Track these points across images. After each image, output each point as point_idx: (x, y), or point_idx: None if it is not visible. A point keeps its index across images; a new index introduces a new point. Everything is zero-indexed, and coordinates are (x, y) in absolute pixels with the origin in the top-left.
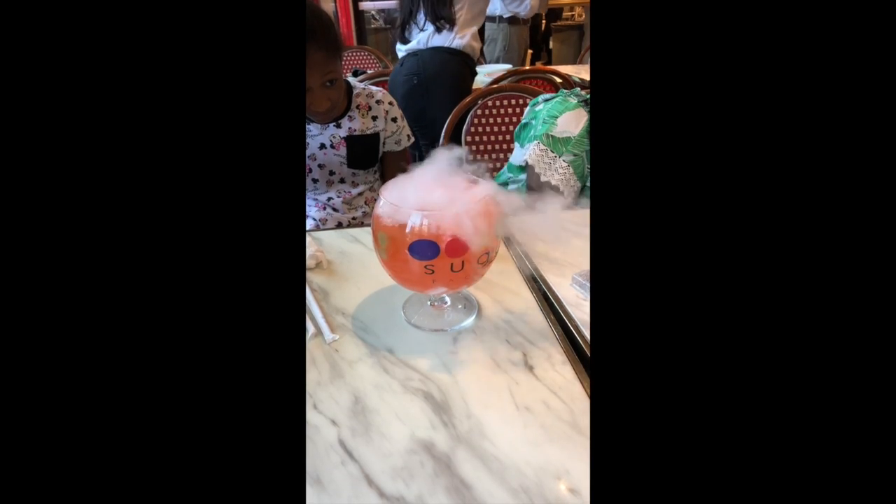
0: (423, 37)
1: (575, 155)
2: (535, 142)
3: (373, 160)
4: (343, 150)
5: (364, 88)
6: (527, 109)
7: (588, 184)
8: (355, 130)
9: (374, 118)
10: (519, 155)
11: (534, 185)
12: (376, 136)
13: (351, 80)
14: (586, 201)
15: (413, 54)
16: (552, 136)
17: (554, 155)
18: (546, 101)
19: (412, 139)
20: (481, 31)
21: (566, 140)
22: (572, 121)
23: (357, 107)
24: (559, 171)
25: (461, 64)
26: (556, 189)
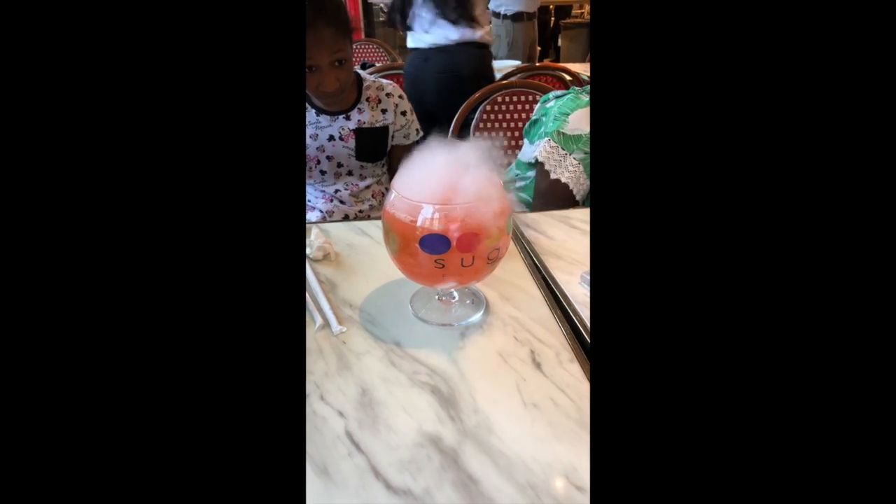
0: (451, 31)
1: (585, 153)
2: (546, 139)
3: (381, 153)
4: (352, 143)
5: (374, 81)
6: (537, 106)
7: None
8: (364, 123)
9: (384, 111)
10: (528, 152)
11: (543, 183)
12: (385, 129)
13: (360, 72)
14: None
15: (441, 50)
16: (563, 134)
17: (564, 152)
18: (557, 97)
19: (421, 133)
20: None
21: (577, 138)
22: (584, 118)
23: (367, 99)
24: (569, 169)
25: (489, 57)
26: (565, 187)
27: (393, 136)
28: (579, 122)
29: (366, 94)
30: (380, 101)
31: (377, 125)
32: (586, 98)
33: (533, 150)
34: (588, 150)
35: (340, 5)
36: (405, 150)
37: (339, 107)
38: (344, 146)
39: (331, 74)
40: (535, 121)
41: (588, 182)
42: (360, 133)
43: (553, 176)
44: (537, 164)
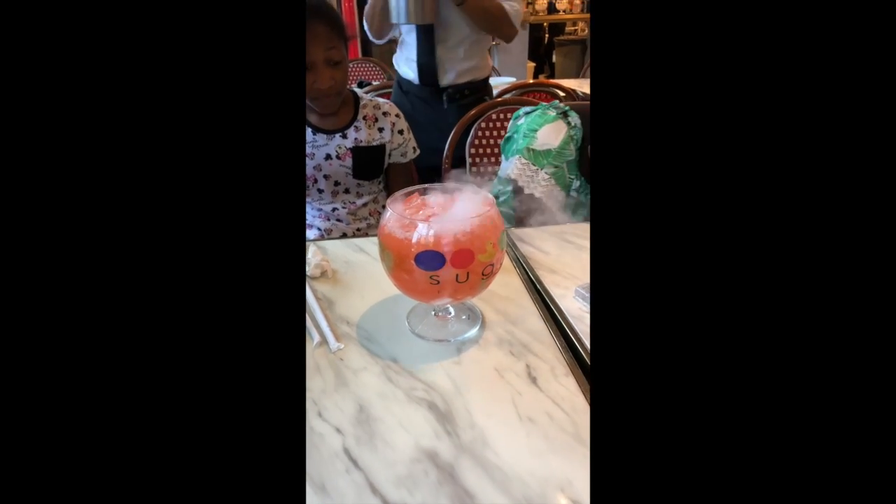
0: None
1: (556, 167)
2: (517, 156)
3: (378, 171)
4: (349, 161)
5: (371, 100)
6: (510, 123)
7: (573, 193)
8: (361, 141)
9: (381, 130)
10: (505, 168)
11: (518, 199)
12: (382, 147)
13: (357, 91)
14: (570, 210)
15: None
16: (533, 150)
17: (535, 168)
18: (527, 114)
19: (417, 151)
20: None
21: (546, 153)
22: (552, 133)
23: (364, 118)
24: (541, 184)
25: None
26: (539, 201)
27: (390, 155)
28: (547, 137)
29: (362, 113)
30: (377, 120)
31: (374, 143)
32: (553, 113)
33: (508, 166)
34: (557, 163)
35: (333, 9)
36: (402, 169)
37: (333, 120)
38: (341, 165)
39: (325, 73)
40: (509, 138)
41: (563, 193)
42: (357, 151)
43: (527, 191)
44: (511, 181)
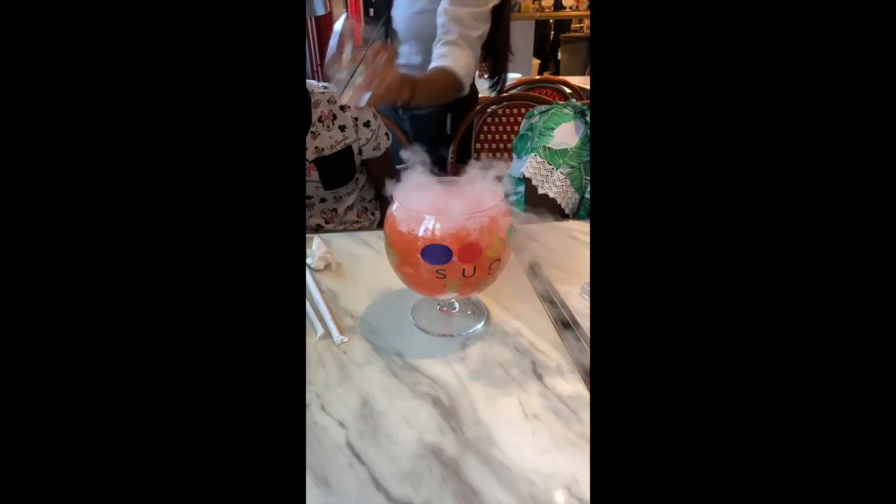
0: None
1: (572, 167)
2: (532, 154)
3: (351, 173)
4: (315, 175)
5: (323, 92)
6: (523, 121)
7: (587, 195)
8: (323, 149)
9: (342, 128)
10: (517, 167)
11: (532, 198)
12: (348, 149)
13: (309, 83)
14: (584, 213)
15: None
16: (549, 149)
17: (551, 167)
18: (542, 113)
19: (390, 139)
20: None
21: (563, 152)
22: (569, 132)
23: (319, 119)
24: (556, 184)
25: None
26: (553, 201)
27: (361, 151)
28: (564, 136)
29: (316, 113)
30: (335, 117)
31: (339, 147)
32: (570, 112)
33: (521, 165)
34: (574, 163)
35: None
36: (380, 161)
37: None
38: (308, 180)
39: None
40: (522, 136)
41: (577, 195)
42: (322, 162)
43: (541, 191)
44: (525, 180)
